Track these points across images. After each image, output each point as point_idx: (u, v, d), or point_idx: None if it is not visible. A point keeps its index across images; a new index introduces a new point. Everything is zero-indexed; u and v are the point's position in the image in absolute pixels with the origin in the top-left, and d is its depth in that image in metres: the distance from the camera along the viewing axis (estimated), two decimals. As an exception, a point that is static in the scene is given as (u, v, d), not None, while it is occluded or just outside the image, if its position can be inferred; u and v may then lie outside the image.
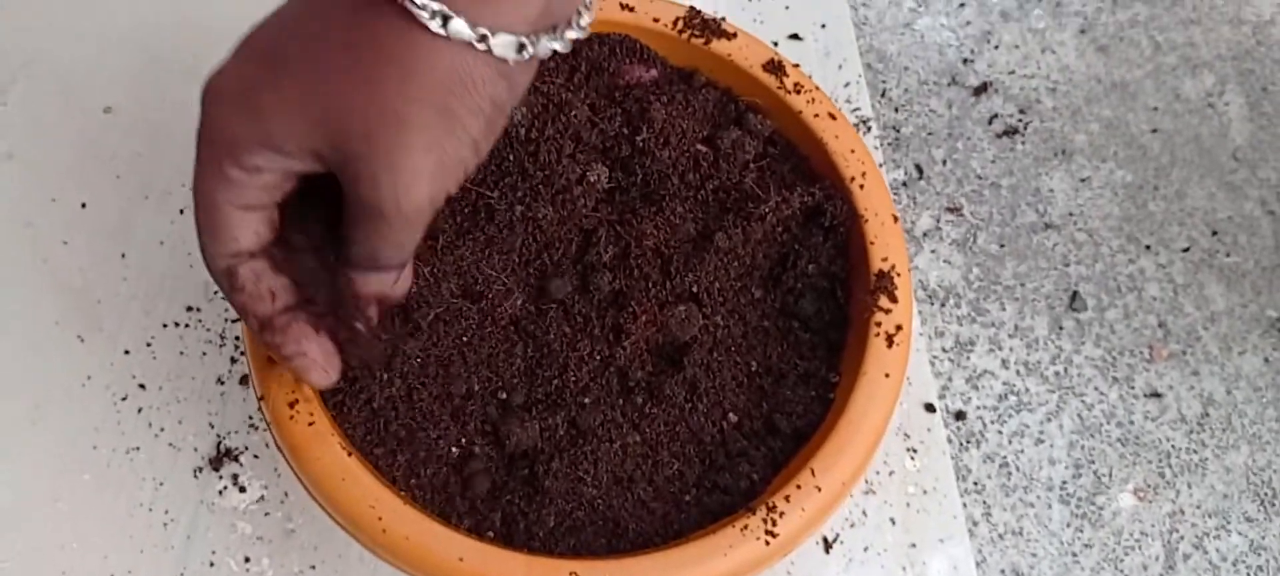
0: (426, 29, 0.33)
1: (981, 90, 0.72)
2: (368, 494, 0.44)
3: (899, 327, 0.49)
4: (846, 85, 0.69)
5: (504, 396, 0.49)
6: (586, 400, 0.48)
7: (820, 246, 0.52)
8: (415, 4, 0.32)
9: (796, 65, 0.55)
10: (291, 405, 0.45)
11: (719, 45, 0.55)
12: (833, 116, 0.53)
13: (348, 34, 0.34)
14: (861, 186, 0.52)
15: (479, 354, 0.49)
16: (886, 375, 0.48)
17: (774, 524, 0.44)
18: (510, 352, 0.49)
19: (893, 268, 0.50)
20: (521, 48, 0.35)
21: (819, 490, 0.45)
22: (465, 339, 0.49)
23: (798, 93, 0.54)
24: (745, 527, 0.44)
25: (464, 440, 0.47)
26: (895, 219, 0.51)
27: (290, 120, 0.35)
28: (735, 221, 0.51)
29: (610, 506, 0.46)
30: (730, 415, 0.49)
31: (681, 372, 0.49)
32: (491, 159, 0.51)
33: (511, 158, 0.50)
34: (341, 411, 0.46)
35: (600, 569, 0.43)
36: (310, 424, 0.45)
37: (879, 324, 0.49)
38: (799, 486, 0.45)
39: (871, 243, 0.51)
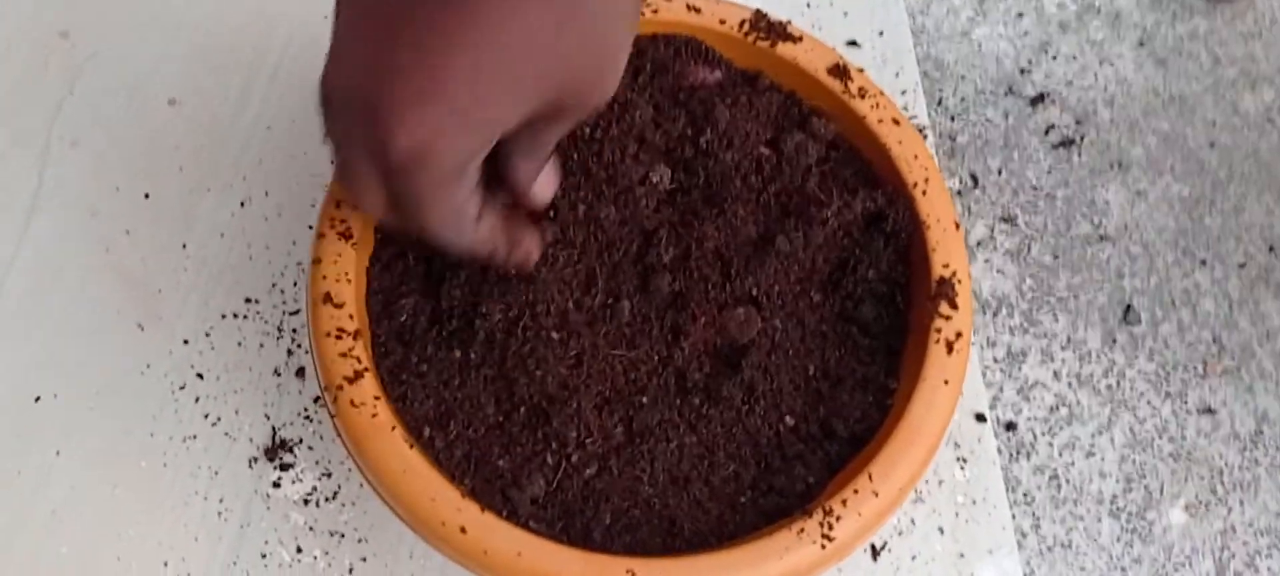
0: None
1: (1038, 101, 0.71)
2: (428, 487, 0.44)
3: (959, 334, 0.48)
4: (903, 93, 0.68)
5: None
6: (644, 400, 0.48)
7: (881, 252, 0.51)
8: None
9: (861, 70, 0.55)
10: (354, 397, 0.45)
11: (784, 48, 0.55)
12: (897, 122, 0.53)
13: (551, 12, 0.35)
14: (924, 192, 0.52)
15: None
16: (945, 381, 0.47)
17: (830, 527, 0.44)
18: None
19: (954, 274, 0.50)
20: None
21: (876, 495, 0.45)
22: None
23: (862, 97, 0.54)
24: (801, 530, 0.44)
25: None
26: (957, 226, 0.51)
27: (507, 118, 0.37)
28: (796, 225, 0.51)
29: (666, 506, 0.46)
30: (787, 418, 0.49)
31: (739, 375, 0.48)
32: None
33: (575, 157, 0.50)
34: (404, 403, 0.47)
35: (657, 567, 0.43)
36: (373, 416, 0.45)
37: (939, 330, 0.48)
38: (856, 491, 0.45)
39: (933, 249, 0.50)
